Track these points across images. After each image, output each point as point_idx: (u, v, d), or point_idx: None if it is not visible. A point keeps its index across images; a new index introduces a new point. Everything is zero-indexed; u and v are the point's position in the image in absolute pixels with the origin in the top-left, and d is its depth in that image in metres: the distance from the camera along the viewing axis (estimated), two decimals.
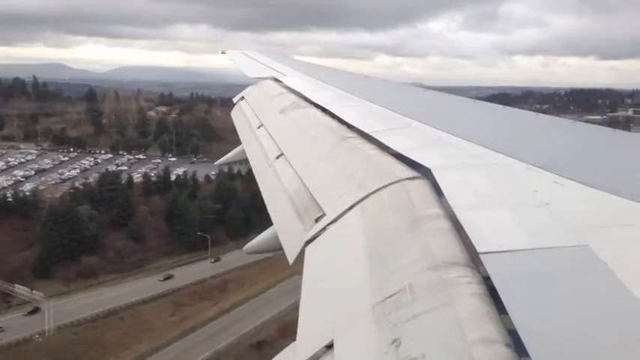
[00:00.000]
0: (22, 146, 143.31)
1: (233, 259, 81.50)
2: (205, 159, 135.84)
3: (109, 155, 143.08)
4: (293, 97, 7.65)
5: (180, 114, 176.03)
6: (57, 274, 73.12)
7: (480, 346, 1.68)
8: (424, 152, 3.82)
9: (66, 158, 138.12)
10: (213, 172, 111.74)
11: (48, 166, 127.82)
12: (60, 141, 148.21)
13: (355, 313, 2.24)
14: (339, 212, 3.34)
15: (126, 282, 74.31)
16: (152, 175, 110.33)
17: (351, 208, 3.32)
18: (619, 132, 5.35)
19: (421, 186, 3.22)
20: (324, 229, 3.31)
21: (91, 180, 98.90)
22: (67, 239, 74.81)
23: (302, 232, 3.52)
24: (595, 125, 5.47)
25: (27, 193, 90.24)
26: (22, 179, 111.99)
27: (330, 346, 2.12)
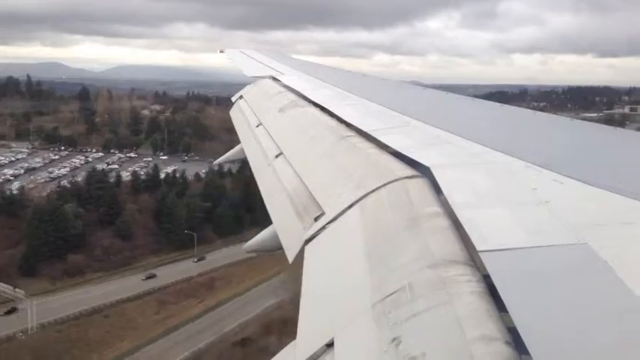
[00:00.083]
0: (13, 145, 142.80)
1: (220, 257, 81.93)
2: (197, 157, 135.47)
3: (101, 154, 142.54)
4: (292, 96, 7.65)
5: (173, 112, 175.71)
6: (43, 272, 73.12)
7: (479, 343, 1.68)
8: (423, 151, 3.82)
9: (57, 157, 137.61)
10: (203, 171, 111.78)
11: (38, 165, 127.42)
12: (51, 140, 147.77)
13: (355, 312, 2.25)
14: (339, 211, 3.34)
15: (112, 280, 74.33)
16: (142, 173, 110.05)
17: (350, 206, 3.32)
18: (619, 130, 5.37)
19: (420, 184, 3.22)
20: (323, 227, 3.31)
21: (79, 178, 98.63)
22: (53, 237, 74.77)
23: (301, 231, 3.52)
24: (594, 123, 5.48)
25: (14, 192, 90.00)
26: (11, 178, 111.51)
27: (330, 345, 2.12)
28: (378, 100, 6.29)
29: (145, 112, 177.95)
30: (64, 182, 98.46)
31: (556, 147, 4.14)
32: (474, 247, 2.29)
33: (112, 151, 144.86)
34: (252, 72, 11.39)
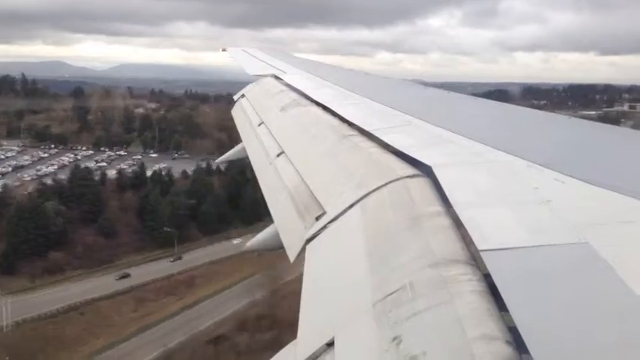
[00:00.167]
0: (4, 143, 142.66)
1: (202, 255, 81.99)
2: (187, 155, 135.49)
3: (90, 152, 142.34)
4: (293, 95, 7.65)
5: (168, 111, 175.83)
6: (22, 269, 73.02)
7: (480, 343, 1.68)
8: (425, 150, 3.82)
9: (46, 155, 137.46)
10: (192, 168, 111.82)
11: (27, 163, 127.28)
12: (42, 138, 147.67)
13: (356, 311, 2.25)
14: (340, 210, 3.35)
15: (92, 278, 74.29)
16: (130, 171, 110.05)
17: (351, 206, 3.32)
18: (620, 129, 5.35)
19: (422, 184, 3.22)
20: (324, 227, 3.32)
21: (63, 176, 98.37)
22: (34, 235, 74.60)
23: (303, 230, 3.53)
24: (597, 122, 5.47)
25: None
26: None
27: (330, 344, 2.13)
28: (379, 99, 6.29)
29: (140, 110, 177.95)
30: (47, 180, 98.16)
31: (558, 146, 4.13)
32: (475, 247, 2.29)
33: (102, 149, 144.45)
34: (254, 70, 11.39)
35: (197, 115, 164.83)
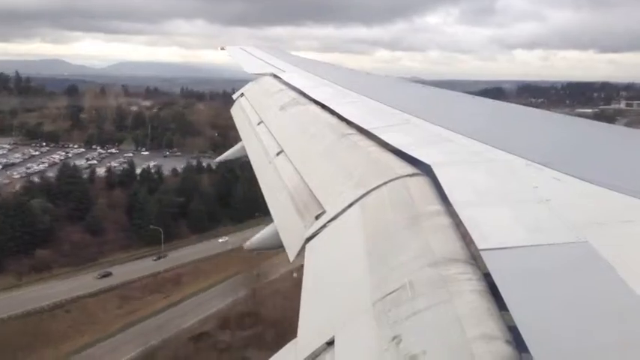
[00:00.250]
0: None
1: (189, 253, 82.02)
2: (179, 153, 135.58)
3: (82, 149, 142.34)
4: (292, 94, 7.65)
5: (161, 109, 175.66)
6: (9, 267, 73.02)
7: (480, 342, 1.68)
8: (424, 149, 3.82)
9: (37, 152, 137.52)
10: (183, 166, 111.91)
11: (17, 161, 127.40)
12: (33, 135, 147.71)
13: (356, 310, 2.25)
14: (339, 209, 3.35)
15: (79, 275, 74.43)
16: (121, 169, 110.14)
17: (351, 205, 3.32)
18: (620, 128, 5.36)
19: (421, 183, 3.22)
20: (324, 226, 3.32)
21: (51, 174, 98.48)
22: (20, 232, 74.56)
23: (302, 229, 3.53)
24: (595, 121, 5.47)
25: None
26: None
27: (330, 343, 2.13)
28: (378, 98, 6.29)
29: (134, 108, 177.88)
30: (35, 177, 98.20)
31: (557, 145, 4.13)
32: (474, 246, 2.29)
33: (93, 146, 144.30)
34: (253, 69, 11.38)
35: (190, 112, 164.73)
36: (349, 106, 6.01)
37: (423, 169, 3.42)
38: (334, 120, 5.57)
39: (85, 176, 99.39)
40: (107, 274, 75.04)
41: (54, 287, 69.78)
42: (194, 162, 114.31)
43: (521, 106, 6.41)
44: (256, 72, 10.87)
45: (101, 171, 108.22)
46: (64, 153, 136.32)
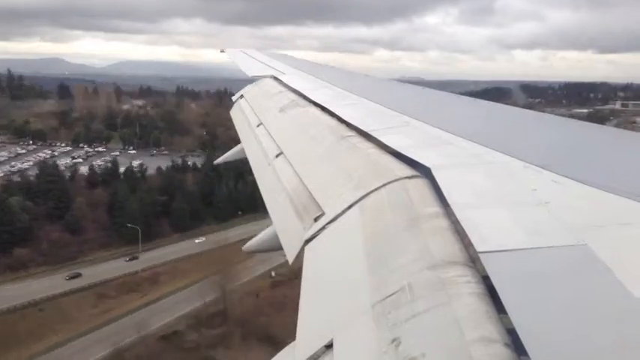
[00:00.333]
0: None
1: (168, 252, 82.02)
2: (166, 152, 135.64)
3: (69, 148, 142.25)
4: (292, 96, 7.65)
5: (153, 107, 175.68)
6: None
7: (478, 345, 1.68)
8: (423, 151, 3.82)
9: (24, 151, 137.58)
10: (169, 165, 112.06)
11: (2, 159, 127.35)
12: (21, 133, 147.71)
13: (355, 313, 2.25)
14: (339, 211, 3.35)
15: (56, 274, 74.35)
16: (106, 167, 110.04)
17: (350, 207, 3.32)
18: (618, 130, 5.36)
19: (420, 185, 3.22)
20: (323, 228, 3.32)
21: (34, 172, 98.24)
22: None
23: (301, 231, 3.52)
24: (594, 124, 5.47)
25: None
26: None
27: (329, 346, 2.13)
28: (378, 100, 6.29)
29: (126, 107, 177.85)
30: (16, 176, 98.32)
31: (556, 147, 4.14)
32: (473, 248, 2.29)
33: (80, 145, 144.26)
34: (252, 72, 11.39)
35: (180, 111, 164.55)
36: (349, 108, 6.01)
37: (423, 171, 3.42)
38: (334, 122, 5.57)
39: (68, 175, 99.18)
40: (76, 276, 74.71)
41: (30, 286, 69.81)
42: (179, 160, 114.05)
43: (520, 109, 6.42)
44: (256, 74, 10.88)
45: (85, 169, 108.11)
46: (50, 151, 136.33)
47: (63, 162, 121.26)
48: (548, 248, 2.23)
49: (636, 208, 2.56)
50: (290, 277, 73.86)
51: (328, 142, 4.97)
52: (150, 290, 73.23)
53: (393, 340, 1.87)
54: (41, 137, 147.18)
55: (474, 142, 3.93)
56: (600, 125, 5.51)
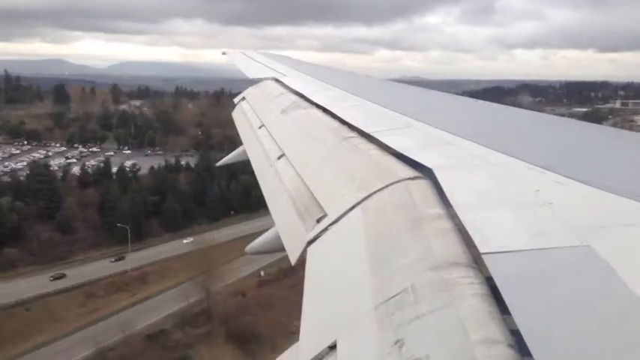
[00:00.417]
0: None
1: (156, 252, 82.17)
2: (161, 152, 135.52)
3: (63, 148, 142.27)
4: (294, 98, 7.66)
5: (150, 107, 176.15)
6: None
7: (482, 346, 1.68)
8: (425, 152, 3.82)
9: (18, 151, 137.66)
10: (162, 164, 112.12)
11: None
12: (16, 134, 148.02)
13: (358, 314, 2.25)
14: (341, 212, 3.35)
15: (45, 274, 74.59)
16: (96, 167, 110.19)
17: (352, 208, 3.32)
18: (622, 131, 5.35)
19: (422, 186, 3.22)
20: (325, 229, 3.32)
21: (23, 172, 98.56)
22: None
23: (304, 232, 3.52)
24: (598, 124, 5.48)
25: None
26: None
27: (333, 347, 2.13)
28: (380, 102, 6.29)
29: (124, 107, 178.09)
30: (7, 176, 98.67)
31: (559, 148, 4.14)
32: (476, 249, 2.29)
33: (75, 145, 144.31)
34: (254, 74, 11.40)
35: (176, 111, 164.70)
36: (351, 109, 6.01)
37: (425, 172, 3.42)
38: (335, 123, 5.57)
39: (60, 175, 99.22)
40: (60, 276, 74.70)
41: (18, 285, 70.05)
42: (172, 160, 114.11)
43: (523, 110, 6.41)
44: (258, 76, 10.89)
45: (78, 170, 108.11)
46: (44, 152, 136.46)
47: (56, 162, 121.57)
48: (552, 249, 2.23)
49: (639, 208, 2.55)
50: (278, 276, 74.13)
51: (330, 144, 4.98)
52: (139, 290, 73.64)
53: (397, 342, 1.87)
54: (36, 138, 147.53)
55: (477, 143, 3.92)
56: (604, 126, 5.51)
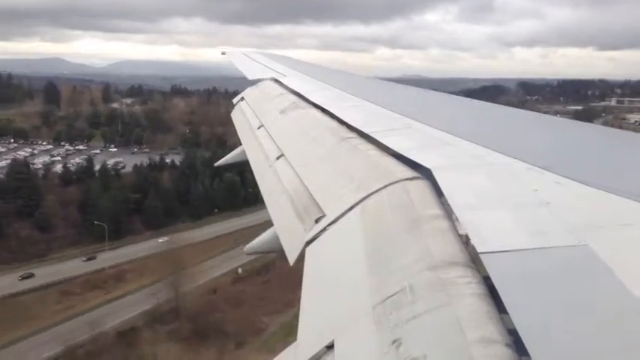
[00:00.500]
0: None
1: (134, 250, 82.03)
2: (147, 150, 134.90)
3: (50, 146, 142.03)
4: (293, 98, 7.65)
5: (141, 105, 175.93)
6: None
7: (479, 346, 1.68)
8: (424, 153, 3.82)
9: (4, 149, 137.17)
10: (147, 162, 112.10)
11: None
12: (3, 132, 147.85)
13: (356, 314, 2.25)
14: (339, 213, 3.35)
15: (22, 271, 74.70)
16: (78, 165, 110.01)
17: (351, 208, 3.32)
18: (620, 132, 5.36)
19: (421, 186, 3.22)
20: (324, 229, 3.32)
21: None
22: None
23: (302, 232, 3.52)
24: (597, 125, 5.48)
25: None
26: None
27: (330, 347, 2.13)
28: (379, 102, 6.30)
29: (115, 105, 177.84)
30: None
31: (557, 148, 4.14)
32: (474, 249, 2.29)
33: (62, 143, 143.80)
34: (253, 74, 11.39)
35: (165, 109, 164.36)
36: (350, 109, 6.01)
37: (424, 172, 3.42)
38: (334, 124, 5.57)
39: (42, 173, 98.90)
40: (29, 276, 74.32)
41: None
42: (157, 158, 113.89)
43: (522, 110, 6.42)
44: (257, 77, 10.88)
45: (55, 166, 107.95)
46: (30, 150, 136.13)
47: (41, 160, 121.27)
48: (549, 249, 2.23)
49: (637, 208, 2.56)
50: (252, 274, 74.02)
51: (329, 144, 4.98)
52: (115, 287, 73.74)
53: (394, 341, 1.87)
54: (23, 136, 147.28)
55: (476, 143, 3.93)
56: (604, 126, 5.52)
